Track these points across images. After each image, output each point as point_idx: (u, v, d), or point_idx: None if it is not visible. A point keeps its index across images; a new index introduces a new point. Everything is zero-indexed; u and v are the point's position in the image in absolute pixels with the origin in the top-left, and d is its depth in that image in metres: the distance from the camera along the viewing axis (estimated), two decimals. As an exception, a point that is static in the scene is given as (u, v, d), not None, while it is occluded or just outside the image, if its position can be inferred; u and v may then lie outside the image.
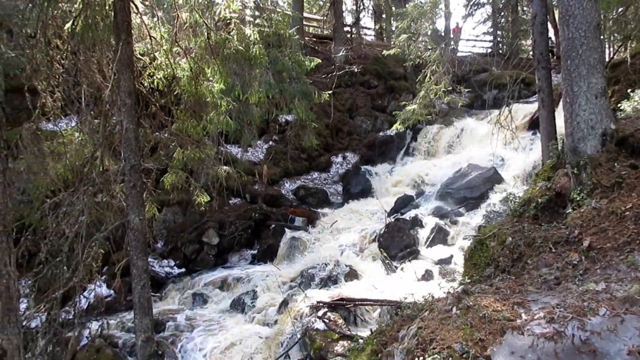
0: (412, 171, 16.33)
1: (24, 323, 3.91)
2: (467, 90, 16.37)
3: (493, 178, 13.59)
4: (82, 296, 6.09)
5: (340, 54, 20.58)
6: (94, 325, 9.50)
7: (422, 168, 16.31)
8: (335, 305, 10.15)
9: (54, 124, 6.87)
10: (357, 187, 16.56)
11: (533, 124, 15.18)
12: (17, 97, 10.33)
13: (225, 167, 7.46)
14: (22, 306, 7.29)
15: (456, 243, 11.98)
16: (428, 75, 14.13)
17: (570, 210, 4.43)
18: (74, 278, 4.85)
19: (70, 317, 6.36)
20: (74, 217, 5.01)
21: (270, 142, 17.91)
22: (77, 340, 8.44)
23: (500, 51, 23.55)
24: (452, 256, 11.25)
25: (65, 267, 4.89)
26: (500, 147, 13.89)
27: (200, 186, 7.35)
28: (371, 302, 10.02)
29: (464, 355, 2.68)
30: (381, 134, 19.23)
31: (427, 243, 12.30)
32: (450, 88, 14.09)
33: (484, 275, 4.18)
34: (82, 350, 9.54)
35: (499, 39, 25.13)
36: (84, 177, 5.33)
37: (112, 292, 12.11)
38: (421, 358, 2.78)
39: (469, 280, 3.69)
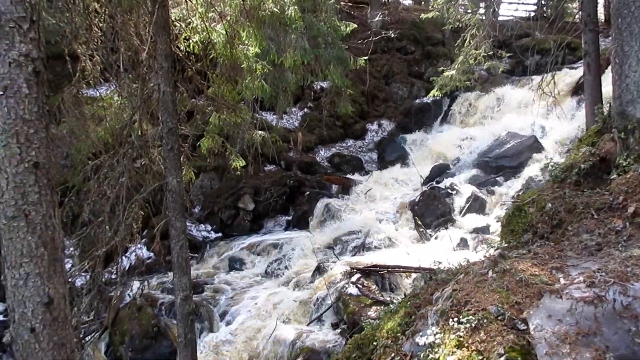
0: (449, 139, 16.04)
1: (69, 280, 4.07)
2: (508, 55, 15.75)
3: (533, 147, 13.21)
4: (123, 257, 6.32)
5: (376, 18, 20.12)
6: (135, 285, 9.86)
7: (459, 136, 15.99)
8: (369, 272, 10.22)
9: (94, 89, 7.00)
10: (392, 155, 16.41)
11: (576, 91, 14.60)
12: (59, 64, 10.56)
13: (260, 132, 7.50)
14: (67, 266, 7.63)
15: (493, 212, 11.80)
16: (467, 40, 13.68)
17: (615, 176, 4.26)
18: (115, 238, 5.02)
19: (113, 276, 6.61)
20: (114, 179, 5.15)
21: (305, 109, 17.85)
22: (120, 299, 8.80)
23: (544, 14, 22.53)
24: (488, 225, 11.10)
25: (107, 227, 5.07)
26: (541, 115, 13.45)
27: (236, 151, 7.40)
28: (404, 269, 10.05)
29: (499, 317, 2.66)
30: (417, 101, 18.87)
31: (463, 212, 12.15)
32: (491, 53, 13.61)
33: (521, 241, 4.10)
34: (124, 308, 9.96)
35: (542, 1, 24.02)
36: (123, 140, 5.45)
37: (151, 254, 12.52)
38: (455, 319, 2.77)
39: (505, 245, 3.63)
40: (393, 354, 3.33)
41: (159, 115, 5.04)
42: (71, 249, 7.17)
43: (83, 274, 7.10)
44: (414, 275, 10.06)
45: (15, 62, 2.52)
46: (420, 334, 2.99)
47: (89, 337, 9.22)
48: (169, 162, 5.20)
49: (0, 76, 2.47)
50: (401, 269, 10.06)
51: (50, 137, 2.54)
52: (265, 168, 15.19)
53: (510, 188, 12.30)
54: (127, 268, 9.03)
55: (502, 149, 13.60)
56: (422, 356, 2.75)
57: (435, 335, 2.76)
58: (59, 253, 2.68)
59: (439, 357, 2.58)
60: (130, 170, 5.28)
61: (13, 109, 2.47)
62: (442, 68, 14.13)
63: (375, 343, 3.60)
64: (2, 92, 2.44)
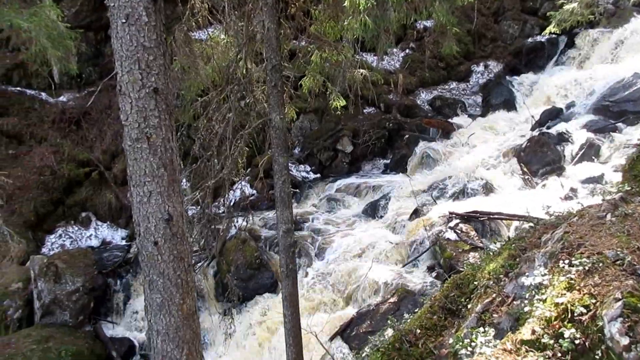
0: (563, 81, 14.76)
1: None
2: (641, -15, 13.92)
3: (664, 89, 11.81)
4: (230, 191, 6.68)
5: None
6: (240, 220, 10.44)
7: (575, 78, 14.65)
8: (468, 217, 9.98)
9: (202, 30, 7.23)
10: (498, 99, 15.49)
11: None
12: (169, 7, 11.00)
13: (362, 70, 7.37)
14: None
15: (610, 161, 10.84)
16: (593, -32, 12.20)
17: None
18: (223, 172, 5.30)
19: (220, 210, 7.02)
20: (222, 116, 5.38)
21: (407, 50, 17.24)
22: (226, 231, 9.37)
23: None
24: (603, 175, 10.24)
25: (215, 161, 5.35)
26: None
27: (337, 90, 7.37)
28: (507, 217, 9.66)
29: (617, 262, 2.47)
30: (530, 40, 17.43)
31: (575, 160, 11.31)
32: (621, -17, 12.08)
33: (645, 188, 3.73)
34: (230, 240, 10.66)
35: None
36: (229, 78, 5.63)
37: (254, 191, 13.13)
38: (566, 261, 2.62)
39: (628, 188, 3.32)
40: (494, 295, 3.25)
41: (263, 52, 5.12)
42: (183, 181, 7.70)
43: (192, 207, 7.64)
44: (515, 223, 9.67)
45: (135, -10, 2.65)
46: (527, 274, 2.88)
47: (199, 263, 10.02)
48: (272, 99, 5.31)
49: (122, 4, 2.62)
50: (503, 217, 9.69)
51: (167, 64, 2.68)
52: (365, 110, 15.06)
53: (634, 135, 11.18)
54: (232, 203, 9.57)
55: (627, 92, 12.30)
56: (527, 297, 2.66)
57: (543, 276, 2.64)
58: (176, 174, 2.88)
59: (546, 299, 2.47)
60: (237, 108, 5.46)
61: (134, 37, 2.64)
62: (561, 1, 12.81)
63: (475, 283, 3.54)
64: (124, 20, 2.59)
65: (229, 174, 5.48)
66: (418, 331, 3.80)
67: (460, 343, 2.59)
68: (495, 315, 3.10)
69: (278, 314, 9.77)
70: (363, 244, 10.55)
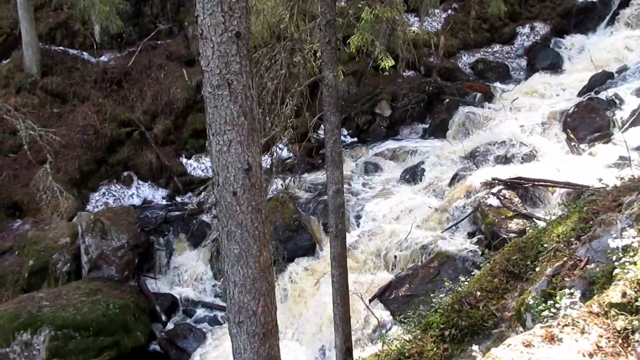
0: (615, 44, 14.07)
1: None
2: None
3: None
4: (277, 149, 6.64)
5: None
6: (280, 181, 10.47)
7: (628, 40, 13.95)
8: (512, 184, 9.76)
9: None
10: (544, 62, 14.90)
11: None
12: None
13: (413, 28, 7.13)
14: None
15: (664, 128, 10.39)
16: None
17: None
18: (274, 128, 5.25)
19: (268, 166, 6.99)
20: (274, 71, 5.29)
21: (449, 11, 16.65)
22: (266, 191, 9.41)
23: None
24: (656, 141, 9.82)
25: (267, 118, 5.30)
26: None
27: (385, 49, 7.16)
28: (553, 184, 9.42)
29: None
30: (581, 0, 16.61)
31: (626, 126, 10.85)
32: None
33: None
34: (269, 201, 10.73)
35: None
36: (281, 33, 5.51)
37: (291, 154, 13.10)
38: (656, 224, 2.49)
39: None
40: (565, 259, 3.15)
41: (318, 6, 4.97)
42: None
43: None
44: (561, 190, 9.42)
45: None
46: (608, 236, 2.76)
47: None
48: (325, 56, 5.18)
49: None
50: (549, 184, 9.45)
51: (249, 8, 2.59)
52: (404, 74, 14.71)
53: (691, 101, 10.65)
54: (272, 163, 9.52)
55: (685, 56, 11.67)
56: (614, 259, 2.55)
57: (633, 238, 2.52)
58: (255, 123, 2.83)
59: (636, 262, 2.37)
60: (288, 64, 5.36)
61: (216, -23, 2.54)
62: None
63: (545, 246, 3.43)
64: (206, -38, 2.50)
65: (280, 132, 5.43)
66: (478, 294, 3.75)
67: (543, 305, 2.52)
68: (567, 279, 3.01)
69: (314, 277, 9.89)
70: (401, 209, 10.47)
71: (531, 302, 2.86)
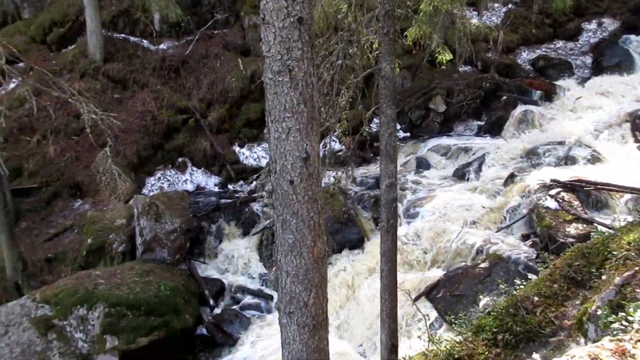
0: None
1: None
2: None
3: None
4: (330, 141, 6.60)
5: None
6: (332, 173, 10.43)
7: None
8: (572, 186, 9.34)
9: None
10: (611, 60, 14.13)
11: None
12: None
13: (474, 21, 6.90)
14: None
15: None
16: None
17: None
18: (328, 119, 5.21)
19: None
20: (330, 62, 5.25)
21: (510, 5, 16.06)
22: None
23: None
24: None
25: (322, 109, 5.26)
26: None
27: (442, 43, 6.97)
28: (618, 189, 8.95)
29: None
30: (655, -6, 15.62)
31: (701, 130, 10.18)
32: None
33: None
34: (319, 193, 10.71)
35: None
36: (338, 24, 5.45)
37: (343, 147, 13.04)
38: None
39: None
40: (637, 268, 2.95)
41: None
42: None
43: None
44: (628, 196, 8.94)
45: None
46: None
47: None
48: (383, 47, 5.09)
49: None
50: (613, 188, 8.98)
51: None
52: (460, 69, 14.34)
53: None
54: (324, 155, 9.50)
55: None
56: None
57: None
58: (315, 112, 2.79)
59: None
60: (345, 56, 5.30)
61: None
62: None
63: (612, 253, 3.23)
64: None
65: (334, 124, 5.38)
66: (536, 299, 3.59)
67: (613, 316, 2.37)
68: (638, 289, 2.82)
69: (361, 271, 9.82)
70: (453, 206, 10.23)
71: (598, 312, 2.70)
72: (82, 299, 8.13)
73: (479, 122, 13.70)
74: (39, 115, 11.65)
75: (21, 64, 12.26)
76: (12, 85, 12.58)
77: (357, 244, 10.25)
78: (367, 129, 12.69)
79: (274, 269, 9.27)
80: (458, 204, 10.31)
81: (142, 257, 9.80)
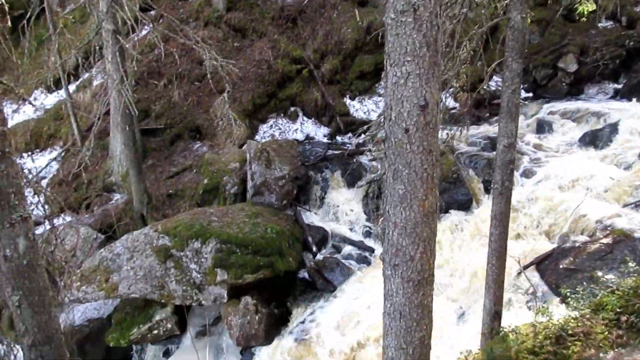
0: None
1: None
2: None
3: None
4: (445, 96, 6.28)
5: None
6: (442, 131, 10.05)
7: None
8: None
9: None
10: None
11: None
12: None
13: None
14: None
15: None
16: None
17: None
18: (447, 71, 4.93)
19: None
20: (453, 11, 4.91)
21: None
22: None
23: None
24: None
25: (441, 61, 4.98)
26: None
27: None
28: None
29: None
30: None
31: None
32: None
33: None
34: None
35: None
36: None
37: (457, 104, 12.47)
38: None
39: None
40: None
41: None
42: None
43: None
44: None
45: None
46: None
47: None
48: (516, -6, 4.64)
49: None
50: None
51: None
52: (600, 24, 12.86)
53: None
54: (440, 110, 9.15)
55: None
56: None
57: None
58: (438, 57, 2.62)
59: None
60: (470, 4, 4.92)
61: None
62: None
63: None
64: None
65: (452, 77, 5.09)
66: (671, 281, 3.18)
67: None
68: None
69: (465, 233, 9.50)
70: (576, 175, 9.42)
71: None
72: (197, 233, 8.75)
73: (616, 85, 12.32)
74: (166, 60, 12.40)
75: (152, 12, 13.04)
76: (144, 32, 13.46)
77: (465, 205, 9.89)
78: (484, 87, 12.00)
79: (381, 219, 9.29)
80: (582, 172, 9.48)
81: (252, 200, 10.28)
